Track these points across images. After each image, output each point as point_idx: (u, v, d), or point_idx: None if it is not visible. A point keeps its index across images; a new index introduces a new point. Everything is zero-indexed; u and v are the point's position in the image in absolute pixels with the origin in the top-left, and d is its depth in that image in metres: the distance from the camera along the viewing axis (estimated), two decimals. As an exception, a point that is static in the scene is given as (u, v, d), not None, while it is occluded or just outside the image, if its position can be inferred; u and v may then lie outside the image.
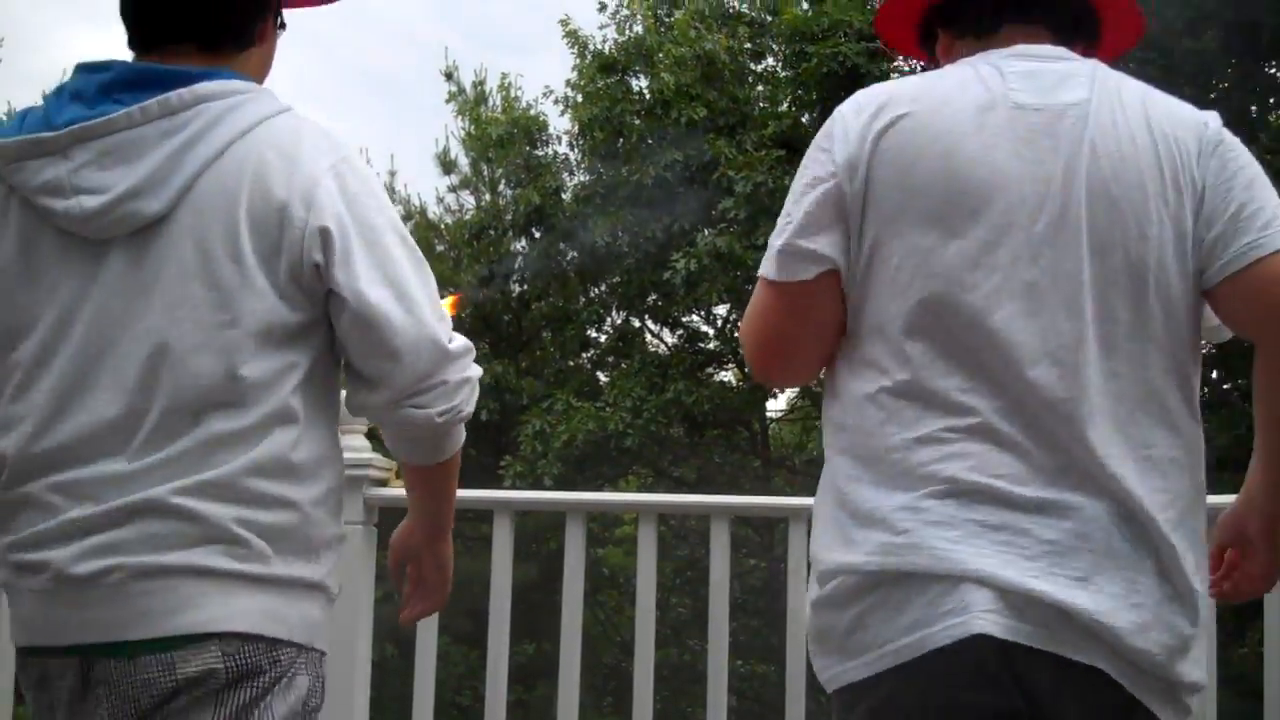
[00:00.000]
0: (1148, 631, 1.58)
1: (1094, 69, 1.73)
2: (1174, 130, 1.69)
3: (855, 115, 1.71)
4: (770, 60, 14.97)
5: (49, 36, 36.52)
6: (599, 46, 14.67)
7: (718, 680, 3.24)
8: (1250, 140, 10.41)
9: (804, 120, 13.74)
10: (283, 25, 1.86)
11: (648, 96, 14.03)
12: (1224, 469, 11.33)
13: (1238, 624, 11.13)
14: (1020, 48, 1.75)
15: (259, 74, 1.79)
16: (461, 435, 1.82)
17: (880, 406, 1.66)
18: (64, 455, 1.61)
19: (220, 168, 1.62)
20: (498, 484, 12.42)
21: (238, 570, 1.60)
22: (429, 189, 29.15)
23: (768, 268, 1.72)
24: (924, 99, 1.70)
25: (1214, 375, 13.15)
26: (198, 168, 1.61)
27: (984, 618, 1.54)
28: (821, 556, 1.70)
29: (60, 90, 1.65)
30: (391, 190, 16.04)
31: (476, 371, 1.77)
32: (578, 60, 14.83)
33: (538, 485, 12.34)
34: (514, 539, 3.33)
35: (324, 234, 1.63)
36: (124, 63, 1.67)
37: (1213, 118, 1.73)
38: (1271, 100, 12.31)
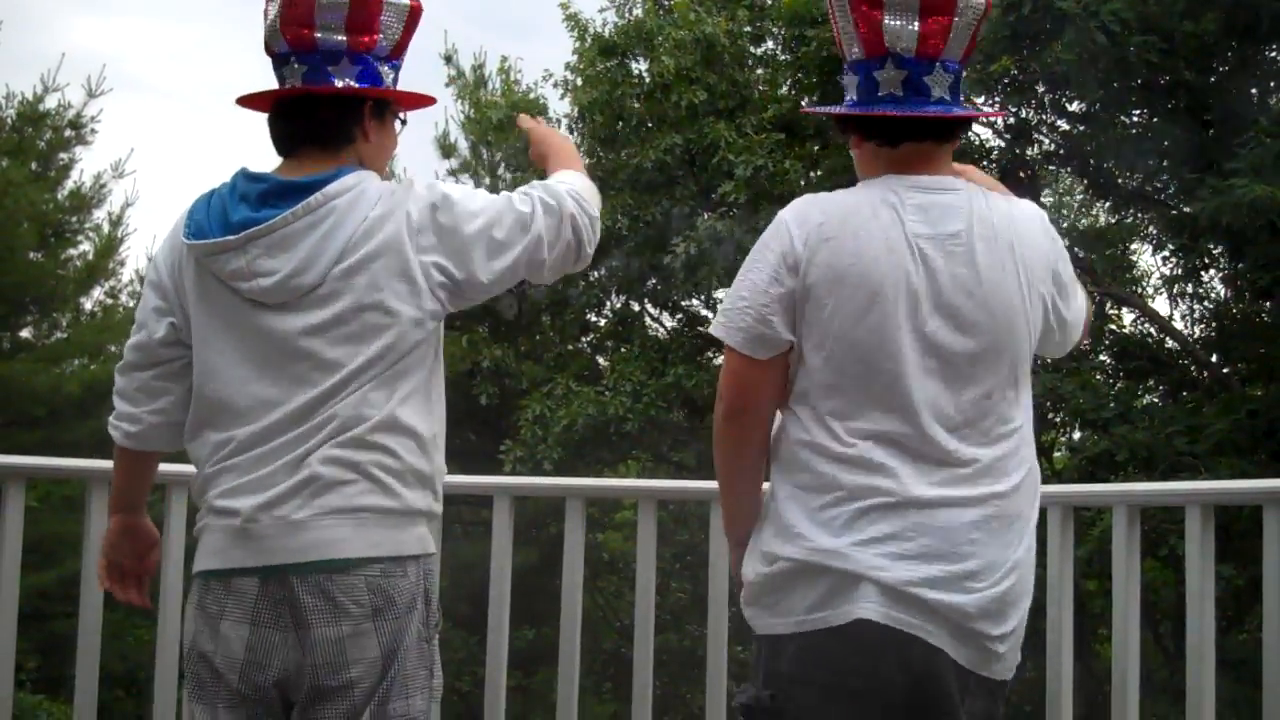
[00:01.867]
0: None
1: (969, 201, 2.28)
2: (1028, 252, 2.29)
3: (798, 227, 2.25)
4: (770, 44, 14.91)
5: (49, 20, 36.41)
6: (599, 30, 14.62)
7: (717, 665, 3.25)
8: (1250, 124, 10.42)
9: (803, 104, 13.72)
10: (404, 122, 2.51)
11: (647, 80, 13.98)
12: (1223, 454, 11.30)
13: (1237, 609, 11.16)
14: (915, 179, 2.28)
15: (371, 160, 2.41)
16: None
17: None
18: (271, 432, 2.28)
19: (356, 247, 2.27)
20: (497, 469, 12.43)
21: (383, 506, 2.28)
22: (428, 172, 29.10)
23: (734, 340, 2.26)
24: (847, 224, 2.24)
25: (1213, 359, 13.16)
26: (339, 250, 2.27)
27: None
28: None
29: (233, 190, 2.33)
30: (391, 173, 16.01)
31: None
32: (577, 43, 14.78)
33: (537, 470, 12.35)
34: (514, 524, 3.34)
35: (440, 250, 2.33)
36: (276, 177, 2.34)
37: (1055, 237, 2.39)
38: (1272, 84, 12.28)
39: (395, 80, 2.45)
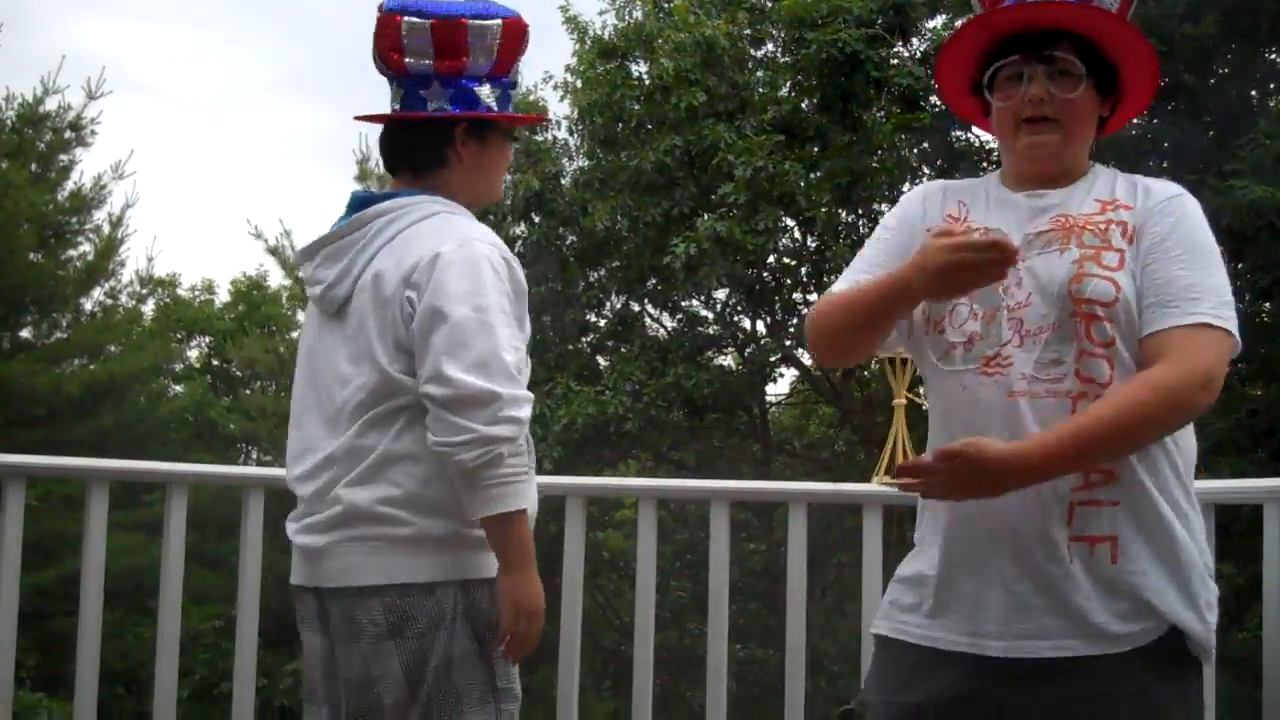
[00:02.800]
0: None
1: None
2: None
3: None
4: (770, 46, 14.94)
5: (49, 22, 36.42)
6: (598, 32, 14.64)
7: (717, 664, 3.25)
8: (1250, 126, 10.42)
9: (803, 106, 13.72)
10: (515, 139, 2.57)
11: (647, 82, 13.99)
12: (1222, 453, 11.28)
13: (1238, 607, 11.16)
14: None
15: (460, 183, 2.45)
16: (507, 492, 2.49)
17: None
18: (306, 452, 2.38)
19: (374, 264, 2.31)
20: (498, 469, 12.40)
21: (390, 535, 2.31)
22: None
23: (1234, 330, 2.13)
24: None
25: (1214, 359, 13.13)
26: (364, 264, 2.32)
27: None
28: None
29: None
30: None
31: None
32: (577, 46, 14.79)
33: (538, 469, 12.30)
34: (514, 523, 3.33)
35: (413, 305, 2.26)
36: (363, 193, 2.41)
37: None
38: (1271, 86, 12.29)
39: (502, 98, 2.46)
